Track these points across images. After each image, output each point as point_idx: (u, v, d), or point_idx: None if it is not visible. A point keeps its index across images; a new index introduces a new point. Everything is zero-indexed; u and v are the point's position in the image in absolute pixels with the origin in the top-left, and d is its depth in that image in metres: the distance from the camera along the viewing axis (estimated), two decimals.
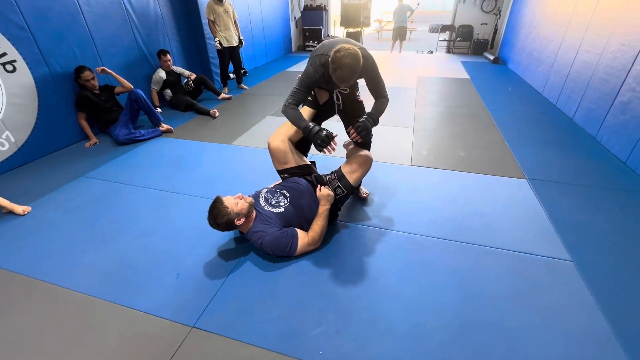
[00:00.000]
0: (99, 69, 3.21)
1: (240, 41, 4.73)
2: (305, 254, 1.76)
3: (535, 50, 5.03)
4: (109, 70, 3.26)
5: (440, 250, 1.80)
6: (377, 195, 2.31)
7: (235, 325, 1.40)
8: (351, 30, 8.33)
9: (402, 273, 1.66)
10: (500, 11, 7.19)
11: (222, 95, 4.54)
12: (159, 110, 4.11)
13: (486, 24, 7.56)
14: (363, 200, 2.26)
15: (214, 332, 1.37)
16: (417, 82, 5.31)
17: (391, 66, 6.68)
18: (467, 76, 5.62)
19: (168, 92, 4.20)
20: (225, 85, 4.98)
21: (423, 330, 1.37)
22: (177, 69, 4.23)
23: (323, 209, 1.79)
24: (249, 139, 3.31)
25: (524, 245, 1.82)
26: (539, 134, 3.22)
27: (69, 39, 3.08)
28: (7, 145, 2.72)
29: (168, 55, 4.01)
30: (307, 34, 8.72)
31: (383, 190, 2.37)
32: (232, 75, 5.71)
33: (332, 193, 1.83)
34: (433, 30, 8.35)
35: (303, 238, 1.74)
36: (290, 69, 6.54)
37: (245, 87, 5.19)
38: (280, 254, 1.71)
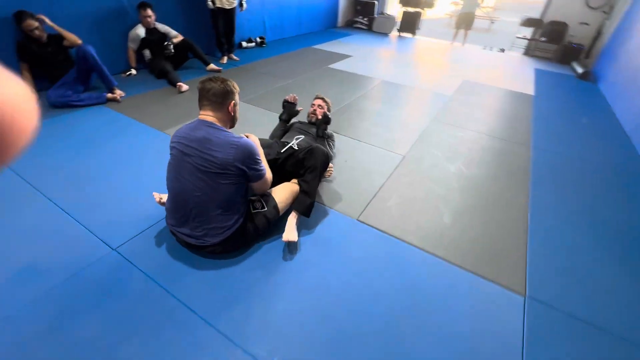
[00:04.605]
0: (38, 16, 2.75)
1: (240, 3, 3.99)
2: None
3: None
4: (47, 20, 2.79)
5: None
6: (315, 248, 1.54)
7: None
8: (409, 9, 6.98)
9: None
10: (611, 9, 5.31)
11: (211, 66, 3.91)
12: (133, 72, 3.65)
13: (587, 25, 5.70)
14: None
15: None
16: (459, 87, 4.10)
17: (438, 60, 5.39)
18: (531, 92, 4.21)
19: (147, 54, 3.68)
20: (222, 53, 4.34)
21: None
22: (162, 27, 3.66)
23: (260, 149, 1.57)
24: None
25: None
26: (598, 207, 2.06)
27: None
28: None
29: (149, 10, 3.44)
30: (359, 7, 7.58)
31: (318, 242, 1.58)
32: (246, 44, 5.05)
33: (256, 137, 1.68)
34: (525, 23, 6.49)
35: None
36: (319, 45, 5.63)
37: (236, 58, 4.49)
38: (250, 162, 1.35)
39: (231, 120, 1.43)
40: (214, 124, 1.33)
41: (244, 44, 5.08)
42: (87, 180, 1.97)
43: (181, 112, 2.85)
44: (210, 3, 3.80)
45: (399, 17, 7.34)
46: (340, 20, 7.66)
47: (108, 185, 1.94)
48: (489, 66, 5.29)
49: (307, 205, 1.63)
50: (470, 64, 5.27)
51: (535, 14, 6.28)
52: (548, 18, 6.03)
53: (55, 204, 1.76)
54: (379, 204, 1.94)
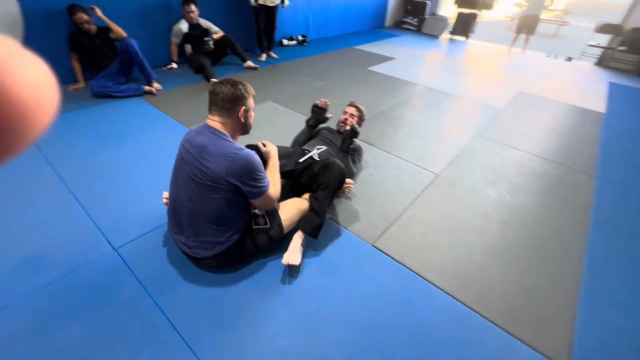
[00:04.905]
0: (91, 7, 2.88)
1: (282, 0, 3.92)
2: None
3: None
4: (98, 12, 2.91)
5: None
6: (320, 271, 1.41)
7: None
8: (464, 11, 6.46)
9: None
10: None
11: (248, 63, 3.89)
12: (174, 66, 3.73)
13: None
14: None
15: None
16: (512, 99, 3.67)
17: (491, 67, 4.91)
18: (602, 109, 3.64)
19: (188, 48, 3.75)
20: (261, 50, 4.31)
21: None
22: (205, 22, 3.71)
23: (275, 164, 1.49)
24: None
25: None
26: None
27: None
28: None
29: (192, 6, 3.49)
30: (409, 7, 7.20)
31: (324, 267, 1.43)
32: (287, 42, 5.00)
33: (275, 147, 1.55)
34: (601, 29, 5.62)
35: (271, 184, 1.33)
36: (362, 46, 5.42)
37: (274, 56, 4.44)
38: (246, 178, 1.19)
39: (242, 127, 1.30)
40: (218, 131, 1.22)
41: (285, 41, 5.02)
42: (107, 173, 1.99)
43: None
44: (252, 0, 3.77)
45: (452, 18, 6.85)
46: (388, 20, 7.34)
47: (125, 180, 1.94)
48: (551, 77, 4.70)
49: (315, 226, 1.47)
50: (529, 73, 4.73)
51: (615, 20, 5.48)
52: (630, 24, 5.23)
53: (73, 194, 1.79)
54: (400, 230, 1.72)
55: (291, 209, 1.49)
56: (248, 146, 1.61)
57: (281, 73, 3.94)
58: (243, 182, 1.19)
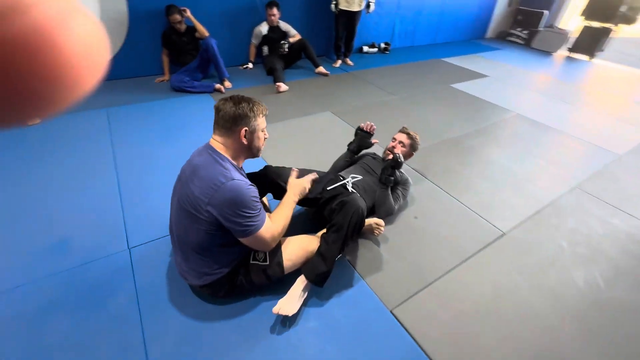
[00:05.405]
0: (183, 9, 3.11)
1: (368, 4, 3.71)
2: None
3: None
4: (188, 12, 3.12)
5: None
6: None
7: None
8: (593, 24, 5.28)
9: None
10: None
11: (320, 69, 3.80)
12: (249, 66, 3.86)
13: None
14: None
15: None
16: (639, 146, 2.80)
17: (618, 98, 3.87)
18: None
19: (265, 50, 3.83)
20: (337, 56, 4.18)
21: None
22: (284, 25, 3.74)
23: (291, 200, 1.27)
24: (267, 132, 2.55)
25: None
26: None
27: None
28: None
29: (275, 9, 3.54)
30: (520, 17, 6.24)
31: (324, 322, 1.25)
32: (367, 49, 4.78)
33: (305, 186, 1.31)
34: None
35: (269, 223, 1.14)
36: (451, 59, 4.86)
37: (350, 63, 4.25)
38: (230, 213, 1.03)
39: (247, 150, 1.15)
40: (217, 152, 1.09)
41: (365, 48, 4.80)
42: (154, 166, 2.08)
43: (273, 112, 2.81)
44: (332, 6, 3.67)
45: (574, 32, 5.69)
46: (491, 30, 6.49)
47: (168, 178, 2.00)
48: None
49: (320, 274, 1.25)
50: None
51: None
52: None
53: (118, 183, 1.91)
54: (432, 299, 1.38)
55: (297, 248, 1.29)
56: (274, 172, 1.46)
57: (351, 82, 3.74)
58: (225, 217, 1.03)
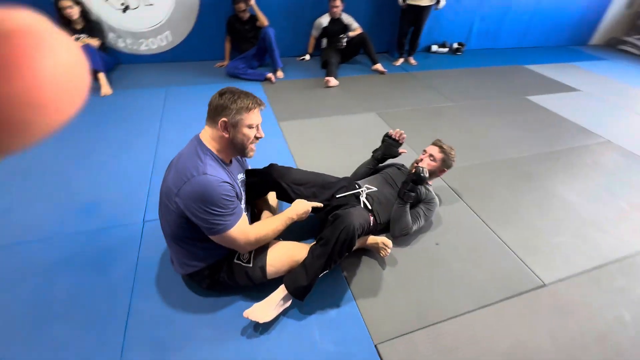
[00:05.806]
0: None
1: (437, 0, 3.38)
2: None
3: None
4: (252, 1, 3.18)
5: None
6: None
7: None
8: None
9: None
10: None
11: (377, 66, 3.61)
12: (307, 57, 3.85)
13: None
14: None
15: None
16: None
17: None
18: None
19: (324, 42, 3.76)
20: (400, 54, 3.93)
21: None
22: (347, 18, 3.63)
23: (287, 217, 1.22)
24: (303, 127, 2.50)
25: None
26: None
27: None
28: (164, 42, 3.40)
29: (338, 1, 3.44)
30: None
31: (297, 340, 1.20)
32: (437, 48, 4.41)
33: (308, 209, 1.27)
34: None
35: (244, 225, 1.10)
36: (537, 66, 4.20)
37: (414, 62, 3.96)
38: (196, 208, 0.99)
39: (230, 145, 1.09)
40: (201, 143, 1.08)
41: (434, 47, 4.42)
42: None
43: (309, 107, 2.76)
44: (400, 0, 3.42)
45: None
46: (598, 36, 5.44)
47: None
48: None
49: (299, 287, 1.17)
50: None
51: None
52: None
53: (154, 155, 2.05)
54: (425, 343, 1.19)
55: (283, 255, 1.22)
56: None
57: (408, 83, 3.48)
58: (191, 211, 1.00)
